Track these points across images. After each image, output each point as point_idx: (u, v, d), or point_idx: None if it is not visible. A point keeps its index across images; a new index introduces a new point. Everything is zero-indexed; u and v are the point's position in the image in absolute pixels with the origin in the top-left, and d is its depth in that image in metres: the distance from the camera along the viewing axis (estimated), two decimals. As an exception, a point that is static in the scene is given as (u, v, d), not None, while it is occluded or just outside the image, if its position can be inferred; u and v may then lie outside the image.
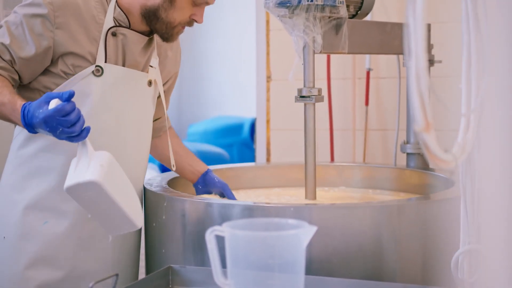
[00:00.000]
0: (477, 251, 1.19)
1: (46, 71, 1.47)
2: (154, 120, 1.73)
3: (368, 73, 2.39)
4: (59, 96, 1.29)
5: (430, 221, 1.37)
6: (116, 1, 1.49)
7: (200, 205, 1.40)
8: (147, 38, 1.53)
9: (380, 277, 1.31)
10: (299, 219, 1.05)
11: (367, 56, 2.38)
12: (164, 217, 1.46)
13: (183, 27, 1.52)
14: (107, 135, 1.49)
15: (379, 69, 2.40)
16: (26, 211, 1.47)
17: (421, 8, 0.73)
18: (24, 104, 1.34)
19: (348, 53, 1.65)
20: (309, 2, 1.50)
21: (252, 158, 4.55)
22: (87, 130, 1.31)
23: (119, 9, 1.49)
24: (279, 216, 1.31)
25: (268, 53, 2.55)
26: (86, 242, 1.49)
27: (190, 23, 1.52)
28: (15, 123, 1.42)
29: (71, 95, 1.29)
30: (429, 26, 1.87)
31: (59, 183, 1.41)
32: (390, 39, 1.78)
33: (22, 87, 1.50)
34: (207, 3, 1.51)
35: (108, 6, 1.48)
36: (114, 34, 1.48)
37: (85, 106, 1.44)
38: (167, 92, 1.72)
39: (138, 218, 1.31)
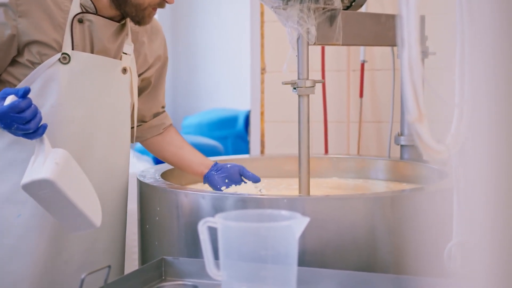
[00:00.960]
0: (470, 243, 1.19)
1: (14, 62, 1.45)
2: (155, 117, 1.71)
3: (362, 65, 2.38)
4: (15, 92, 1.28)
5: (424, 212, 1.37)
6: None
7: (193, 196, 1.40)
8: (116, 23, 1.50)
9: (373, 268, 1.31)
10: (293, 210, 1.05)
11: (362, 48, 2.37)
12: (157, 209, 1.46)
13: (154, 9, 1.49)
14: (77, 125, 1.46)
15: (373, 61, 2.40)
16: (0, 205, 1.46)
17: (414, -2, 0.72)
18: None
19: (342, 44, 1.64)
20: (303, -7, 1.49)
21: (246, 150, 4.55)
22: (44, 127, 1.29)
23: None
24: (272, 207, 1.30)
25: (262, 45, 2.54)
26: (61, 234, 1.48)
27: (161, 4, 1.49)
28: None
29: (27, 91, 1.27)
30: (423, 17, 1.86)
31: None
32: (385, 30, 1.78)
33: None
34: None
35: None
36: (80, 21, 1.45)
37: (52, 96, 1.42)
38: (159, 80, 1.68)
39: (96, 217, 1.28)
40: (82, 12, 1.46)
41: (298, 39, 1.56)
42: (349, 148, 2.43)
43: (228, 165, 1.64)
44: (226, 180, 1.63)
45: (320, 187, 1.82)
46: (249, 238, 0.98)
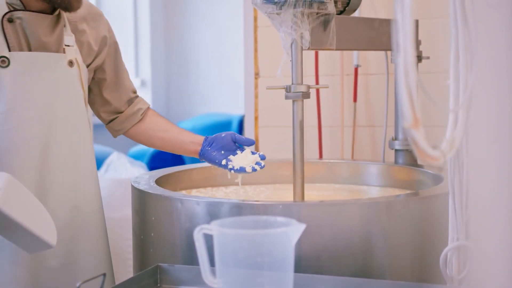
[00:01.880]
0: (466, 247, 1.19)
1: None
2: (129, 105, 1.66)
3: (356, 70, 2.38)
4: None
5: (419, 217, 1.37)
6: None
7: (188, 203, 1.39)
8: (49, 16, 1.46)
9: (369, 274, 1.31)
10: (288, 216, 1.04)
11: (355, 52, 2.37)
12: (152, 216, 1.45)
13: None
14: (33, 127, 1.44)
15: (367, 66, 2.40)
16: None
17: (409, 3, 0.72)
18: None
19: (336, 49, 1.65)
20: (297, -2, 1.49)
21: (240, 155, 4.54)
22: None
23: None
24: (268, 213, 1.30)
25: (256, 50, 2.54)
26: None
27: None
28: None
29: None
30: (416, 22, 1.87)
31: None
32: (378, 35, 1.78)
33: None
34: None
35: None
36: (10, 20, 1.41)
37: (1, 102, 1.39)
38: (116, 66, 1.64)
39: (50, 237, 1.25)
40: (10, 11, 1.41)
41: (292, 44, 1.56)
42: (343, 152, 2.43)
43: (220, 135, 1.62)
44: (222, 152, 1.60)
45: (314, 192, 1.81)
46: (245, 245, 0.98)
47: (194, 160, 4.24)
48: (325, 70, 2.45)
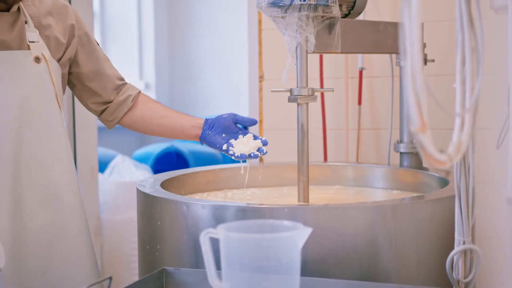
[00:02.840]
0: (472, 251, 1.19)
1: None
2: (118, 93, 1.64)
3: (361, 72, 2.38)
4: None
5: (424, 220, 1.36)
6: None
7: (194, 207, 1.39)
8: (5, 13, 1.45)
9: (375, 277, 1.31)
10: (293, 219, 1.05)
11: (360, 55, 2.37)
12: (157, 219, 1.45)
13: None
14: (4, 129, 1.43)
15: (372, 68, 2.40)
16: None
17: (416, 8, 0.72)
18: None
19: (341, 52, 1.65)
20: (302, 2, 1.49)
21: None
22: None
23: None
24: (273, 217, 1.30)
25: (260, 53, 2.54)
26: (17, 244, 1.45)
27: None
28: None
29: None
30: (421, 25, 1.87)
31: None
32: (383, 38, 1.78)
33: None
34: None
35: None
36: None
37: None
38: (91, 56, 1.61)
39: None
40: None
41: (297, 47, 1.56)
42: (348, 155, 2.43)
43: (221, 117, 1.59)
44: (223, 135, 1.58)
45: (319, 195, 1.81)
46: (251, 249, 0.98)
47: (198, 163, 4.24)
48: (330, 73, 2.45)
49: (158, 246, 1.46)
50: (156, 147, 4.27)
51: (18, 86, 1.46)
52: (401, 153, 1.92)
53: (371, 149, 2.41)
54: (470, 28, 0.91)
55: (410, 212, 1.35)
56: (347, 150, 2.43)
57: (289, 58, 1.59)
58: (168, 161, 4.14)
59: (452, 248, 1.23)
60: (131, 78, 5.24)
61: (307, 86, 1.58)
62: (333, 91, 1.62)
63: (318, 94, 2.40)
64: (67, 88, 1.68)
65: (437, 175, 1.69)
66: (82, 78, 1.63)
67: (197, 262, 1.36)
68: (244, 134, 1.60)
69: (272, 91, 1.60)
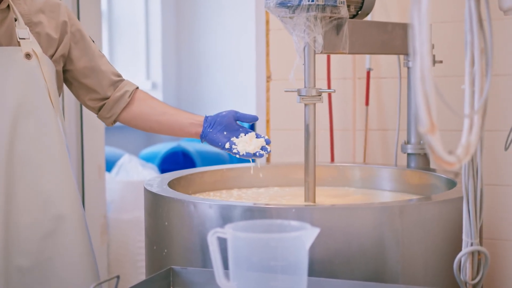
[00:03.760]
0: (480, 253, 1.18)
1: None
2: (115, 89, 1.64)
3: (368, 73, 2.38)
4: None
5: (432, 222, 1.36)
6: None
7: (201, 206, 1.39)
8: None
9: (382, 278, 1.30)
10: (300, 220, 1.05)
11: (367, 56, 2.37)
12: (164, 218, 1.46)
13: None
14: (4, 123, 1.43)
15: (379, 69, 2.40)
16: None
17: (426, 9, 0.72)
18: None
19: (349, 53, 1.65)
20: (310, 2, 1.49)
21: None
22: None
23: None
24: (281, 217, 1.30)
25: (267, 53, 2.55)
26: (10, 237, 1.45)
27: None
28: None
29: None
30: (430, 26, 1.87)
31: None
32: (391, 39, 1.78)
33: None
34: None
35: None
36: None
37: None
38: (85, 52, 1.62)
39: None
40: None
41: (304, 47, 1.56)
42: (355, 156, 2.42)
43: (221, 114, 1.59)
44: (225, 133, 1.57)
45: (326, 196, 1.81)
46: (259, 249, 0.98)
47: (205, 163, 4.24)
48: (337, 73, 2.45)
49: (165, 245, 1.46)
50: (162, 147, 4.28)
51: (9, 82, 1.46)
52: (408, 154, 1.92)
53: (378, 150, 2.41)
54: (479, 29, 0.91)
55: (418, 213, 1.35)
56: (354, 151, 2.42)
57: (296, 58, 1.59)
58: (175, 160, 4.15)
59: (459, 249, 1.23)
60: (138, 77, 5.25)
61: (314, 86, 1.58)
62: (334, 91, 1.61)
63: (325, 94, 2.40)
64: None
65: (444, 176, 1.68)
66: (77, 75, 1.63)
67: (204, 261, 1.36)
68: (246, 132, 1.59)
69: (285, 91, 1.60)
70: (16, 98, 1.47)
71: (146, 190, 1.57)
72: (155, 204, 1.51)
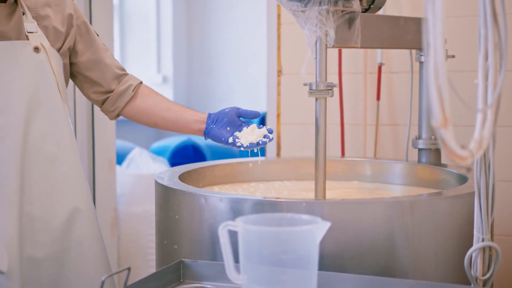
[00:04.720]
0: (491, 248, 1.18)
1: None
2: (119, 82, 1.65)
3: (379, 68, 2.37)
4: None
5: (443, 217, 1.36)
6: None
7: (212, 199, 1.40)
8: (2, 4, 1.46)
9: (392, 273, 1.30)
10: (311, 214, 1.05)
11: (379, 50, 2.36)
12: (175, 212, 1.46)
13: None
14: (9, 118, 1.44)
15: (390, 64, 2.39)
16: None
17: (441, 3, 0.72)
18: None
19: (361, 47, 1.64)
20: (322, -4, 1.49)
21: (262, 153, 4.55)
22: None
23: None
24: (291, 211, 1.30)
25: (279, 47, 2.54)
26: (28, 229, 1.46)
27: None
28: None
29: None
30: (442, 20, 1.85)
31: None
32: (403, 33, 1.77)
33: None
34: None
35: None
36: None
37: None
38: (90, 45, 1.62)
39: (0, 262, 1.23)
40: None
41: (316, 41, 1.56)
42: (365, 151, 2.42)
43: (224, 111, 1.60)
44: (228, 128, 1.58)
45: (336, 190, 1.81)
46: (269, 242, 0.98)
47: (215, 157, 4.25)
48: (348, 68, 2.44)
49: (176, 238, 1.46)
50: (173, 140, 4.29)
51: (20, 75, 1.47)
52: (419, 149, 1.91)
53: (389, 145, 2.40)
54: (493, 23, 0.91)
55: (428, 208, 1.35)
56: (365, 145, 2.42)
57: (308, 52, 1.58)
58: (185, 154, 4.15)
59: (470, 245, 1.22)
60: (149, 71, 5.26)
61: (326, 80, 1.57)
62: (336, 86, 1.60)
63: (336, 89, 2.39)
64: None
65: (456, 171, 1.68)
66: (82, 67, 1.64)
67: (214, 254, 1.36)
68: (248, 126, 1.60)
69: (304, 84, 1.59)
70: (28, 91, 1.48)
71: (157, 183, 1.58)
72: (166, 197, 1.52)
